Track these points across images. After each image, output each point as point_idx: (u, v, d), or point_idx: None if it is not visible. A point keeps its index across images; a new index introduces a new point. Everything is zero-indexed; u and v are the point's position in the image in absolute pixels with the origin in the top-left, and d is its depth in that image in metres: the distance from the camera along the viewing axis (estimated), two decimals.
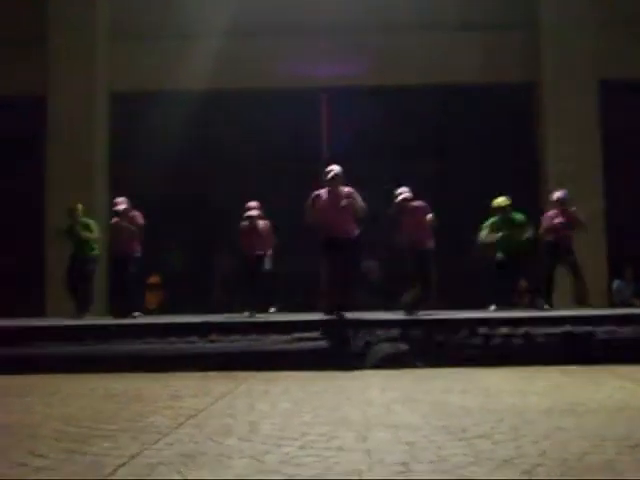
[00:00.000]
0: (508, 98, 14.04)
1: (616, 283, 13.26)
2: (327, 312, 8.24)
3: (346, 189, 8.38)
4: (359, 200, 8.38)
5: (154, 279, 13.76)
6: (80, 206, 10.59)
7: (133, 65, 14.00)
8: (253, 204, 10.11)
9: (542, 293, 9.93)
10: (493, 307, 9.76)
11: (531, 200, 13.13)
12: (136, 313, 10.01)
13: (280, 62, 13.76)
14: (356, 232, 8.44)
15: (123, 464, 3.14)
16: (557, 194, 10.14)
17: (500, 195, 10.07)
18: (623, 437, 3.52)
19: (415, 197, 9.09)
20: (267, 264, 10.08)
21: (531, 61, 13.87)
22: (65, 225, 10.55)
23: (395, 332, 7.42)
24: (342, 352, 7.27)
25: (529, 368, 6.71)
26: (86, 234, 10.33)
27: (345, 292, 8.39)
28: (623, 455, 3.13)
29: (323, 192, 8.42)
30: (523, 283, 11.81)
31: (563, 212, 9.95)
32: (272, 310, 10.47)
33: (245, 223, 10.01)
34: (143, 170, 13.95)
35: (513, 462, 3.03)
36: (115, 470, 3.04)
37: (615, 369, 6.54)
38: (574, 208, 9.99)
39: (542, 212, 10.53)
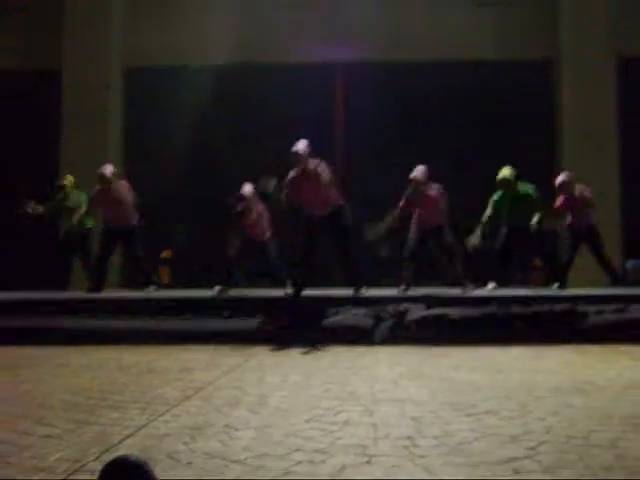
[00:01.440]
0: (524, 75, 13.90)
1: (630, 262, 13.17)
2: (293, 287, 8.13)
3: (312, 165, 7.98)
4: (325, 172, 7.96)
5: (166, 253, 13.80)
6: (70, 179, 10.57)
7: (148, 40, 13.95)
8: (246, 187, 9.44)
9: (556, 272, 9.79)
10: (492, 285, 9.25)
11: (548, 179, 13.03)
12: (150, 287, 9.95)
13: (295, 38, 13.66)
14: (339, 202, 8.23)
15: (130, 435, 3.17)
16: (557, 179, 9.98)
17: (504, 167, 9.64)
18: (629, 415, 3.52)
19: (430, 177, 9.01)
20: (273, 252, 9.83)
21: (547, 38, 13.70)
22: (55, 202, 10.57)
23: (402, 309, 7.45)
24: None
25: (541, 347, 6.68)
26: (75, 212, 10.29)
27: (353, 267, 8.34)
28: (628, 433, 3.13)
29: (294, 173, 8.08)
30: (537, 261, 11.77)
31: (566, 196, 9.83)
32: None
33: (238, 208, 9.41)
34: (157, 145, 13.95)
35: (519, 438, 3.04)
36: (122, 440, 3.07)
37: (628, 349, 6.51)
38: (581, 186, 9.86)
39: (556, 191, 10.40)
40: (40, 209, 10.34)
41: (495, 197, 9.53)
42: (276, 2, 13.87)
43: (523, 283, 11.10)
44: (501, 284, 9.29)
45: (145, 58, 13.96)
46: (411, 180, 8.87)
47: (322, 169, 7.93)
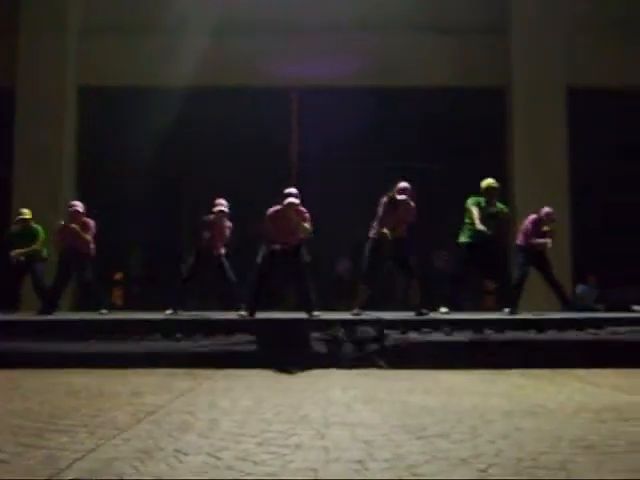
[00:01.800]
0: (479, 102, 14.14)
1: (580, 288, 13.42)
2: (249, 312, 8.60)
3: (299, 210, 8.67)
4: (307, 222, 8.67)
5: (118, 275, 13.70)
6: (27, 212, 10.55)
7: (103, 60, 13.89)
8: (223, 201, 9.98)
9: (510, 296, 9.85)
10: (444, 309, 9.28)
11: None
12: (103, 310, 9.95)
13: (255, 61, 13.71)
14: (302, 239, 8.83)
15: (79, 458, 3.12)
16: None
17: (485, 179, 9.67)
18: (579, 438, 3.56)
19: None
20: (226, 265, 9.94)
21: (501, 65, 13.96)
22: (14, 230, 10.56)
23: (362, 332, 7.46)
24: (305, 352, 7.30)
25: (493, 371, 6.76)
26: (33, 244, 10.35)
27: (308, 294, 8.69)
28: (578, 455, 3.16)
29: (278, 209, 8.68)
30: (489, 284, 11.89)
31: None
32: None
33: (210, 217, 9.84)
34: (111, 166, 13.87)
35: (469, 461, 3.06)
36: (70, 464, 3.01)
37: (577, 372, 6.61)
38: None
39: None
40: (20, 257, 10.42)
41: (476, 199, 9.46)
42: (236, 26, 13.93)
43: (475, 308, 11.20)
44: (453, 308, 9.34)
45: (100, 78, 13.91)
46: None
47: (305, 217, 8.72)
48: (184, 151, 14.29)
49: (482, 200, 9.43)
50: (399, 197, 9.03)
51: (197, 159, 14.22)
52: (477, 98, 14.11)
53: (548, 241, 9.85)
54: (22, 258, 10.30)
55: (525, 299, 10.14)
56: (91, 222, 10.27)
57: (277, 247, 8.62)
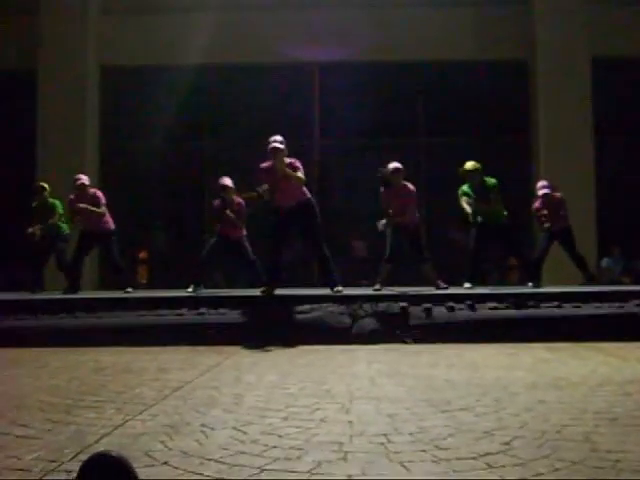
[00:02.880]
0: (501, 75, 14.01)
1: (605, 261, 13.31)
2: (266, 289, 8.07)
3: (288, 160, 8.03)
4: (299, 171, 8.05)
5: (143, 254, 13.77)
6: (46, 187, 10.54)
7: (124, 40, 13.89)
8: (228, 181, 9.65)
9: (531, 271, 9.85)
10: (467, 285, 9.16)
11: (521, 179, 13.17)
12: (129, 288, 9.97)
13: (274, 37, 13.66)
14: (307, 196, 8.23)
15: (106, 434, 3.17)
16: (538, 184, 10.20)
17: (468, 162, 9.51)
18: (603, 410, 3.56)
19: (406, 177, 9.06)
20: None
21: (524, 37, 13.80)
22: (34, 205, 10.54)
23: (381, 307, 7.48)
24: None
25: (517, 344, 6.74)
26: (51, 218, 10.32)
27: (328, 264, 8.29)
28: (601, 427, 3.17)
29: (267, 165, 8.10)
30: (512, 260, 11.84)
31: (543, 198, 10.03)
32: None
33: (216, 201, 9.65)
34: (133, 145, 13.93)
35: (493, 434, 3.07)
36: (98, 440, 3.06)
37: (601, 345, 6.58)
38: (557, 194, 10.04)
39: (531, 192, 10.51)
40: (39, 232, 10.21)
41: (465, 187, 9.38)
42: (255, 2, 13.87)
43: (500, 282, 11.16)
44: (476, 283, 9.32)
45: (121, 58, 13.92)
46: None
47: (298, 164, 8.06)
48: (207, 129, 14.32)
49: (466, 188, 9.34)
50: (394, 179, 8.94)
51: (220, 137, 14.24)
52: (500, 71, 13.98)
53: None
54: (38, 233, 10.25)
55: (551, 272, 10.11)
56: (99, 193, 10.04)
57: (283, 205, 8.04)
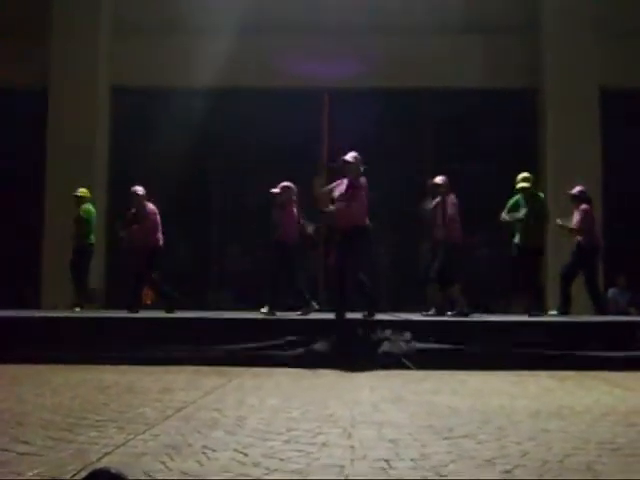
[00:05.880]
0: (509, 103, 14.06)
1: (610, 292, 13.23)
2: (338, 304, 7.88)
3: (354, 180, 7.84)
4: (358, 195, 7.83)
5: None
6: (81, 190, 10.54)
7: (135, 60, 13.99)
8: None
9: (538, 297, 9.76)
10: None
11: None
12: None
13: (284, 61, 13.74)
14: (362, 222, 7.96)
15: (108, 453, 3.17)
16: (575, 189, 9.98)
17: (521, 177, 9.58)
18: (606, 440, 3.54)
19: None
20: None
21: (533, 66, 13.87)
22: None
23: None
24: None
25: (521, 372, 6.72)
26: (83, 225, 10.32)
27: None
28: (604, 457, 3.15)
29: (338, 181, 8.03)
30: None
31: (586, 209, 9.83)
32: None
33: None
34: (143, 165, 13.98)
35: (495, 462, 3.06)
36: (99, 458, 3.06)
37: (606, 375, 6.56)
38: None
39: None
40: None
41: (514, 199, 9.49)
42: (266, 25, 13.97)
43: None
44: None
45: (132, 78, 14.01)
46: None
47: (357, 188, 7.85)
48: (215, 151, 14.39)
49: (517, 198, 9.45)
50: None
51: (228, 160, 14.29)
52: (509, 99, 14.03)
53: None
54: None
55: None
56: (150, 206, 9.77)
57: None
